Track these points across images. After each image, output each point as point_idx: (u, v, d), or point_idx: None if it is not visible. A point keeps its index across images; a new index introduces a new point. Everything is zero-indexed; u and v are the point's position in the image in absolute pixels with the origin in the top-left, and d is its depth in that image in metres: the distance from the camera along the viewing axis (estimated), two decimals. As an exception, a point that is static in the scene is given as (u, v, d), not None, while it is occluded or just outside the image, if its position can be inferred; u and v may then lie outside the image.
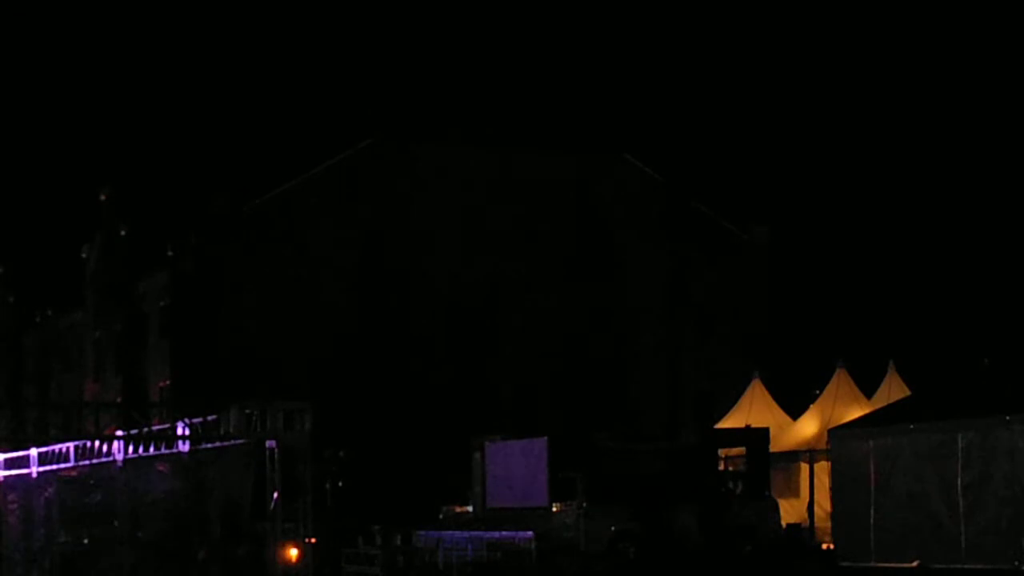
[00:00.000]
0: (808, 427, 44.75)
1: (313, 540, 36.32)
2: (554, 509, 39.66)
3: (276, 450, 35.44)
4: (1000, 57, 76.25)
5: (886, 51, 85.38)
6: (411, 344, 59.30)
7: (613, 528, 38.79)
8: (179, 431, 36.98)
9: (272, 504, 35.59)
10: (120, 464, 39.82)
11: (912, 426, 33.06)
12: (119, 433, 38.87)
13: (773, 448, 42.23)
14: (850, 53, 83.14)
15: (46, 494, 44.24)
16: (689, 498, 39.22)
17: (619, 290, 62.59)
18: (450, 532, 41.77)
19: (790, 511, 42.60)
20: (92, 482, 43.12)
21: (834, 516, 35.96)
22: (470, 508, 44.47)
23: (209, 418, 36.30)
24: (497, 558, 39.29)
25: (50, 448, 42.66)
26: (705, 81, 79.38)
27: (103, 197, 68.60)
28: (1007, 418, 30.71)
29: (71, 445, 41.25)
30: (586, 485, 39.09)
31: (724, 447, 42.08)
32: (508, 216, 61.19)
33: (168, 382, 60.90)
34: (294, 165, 61.63)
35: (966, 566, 30.93)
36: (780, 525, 41.00)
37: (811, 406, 46.02)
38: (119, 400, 59.93)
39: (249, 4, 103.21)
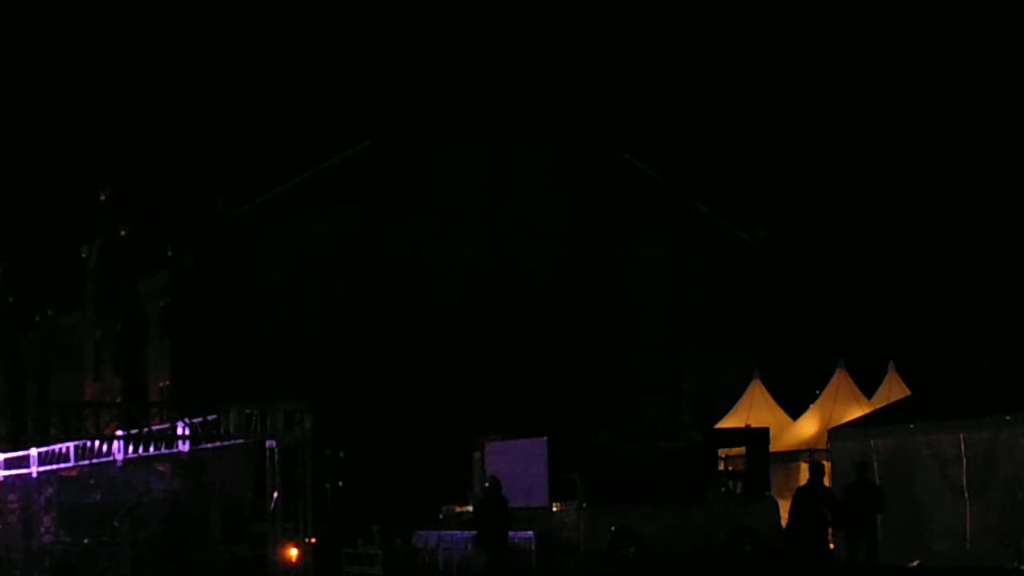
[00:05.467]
0: (808, 427, 44.72)
1: (313, 540, 36.22)
2: (554, 509, 39.58)
3: (276, 450, 35.36)
4: (1000, 57, 76.25)
5: (886, 51, 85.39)
6: (411, 344, 59.26)
7: (613, 528, 38.74)
8: (179, 431, 36.87)
9: (272, 504, 35.52)
10: (120, 464, 39.72)
11: (912, 426, 33.06)
12: (119, 433, 38.77)
13: (773, 448, 42.19)
14: (850, 53, 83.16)
15: (46, 494, 44.13)
16: (689, 498, 39.18)
17: (619, 290, 62.55)
18: (450, 532, 41.69)
19: (790, 511, 42.51)
20: (92, 482, 42.97)
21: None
22: (470, 508, 44.39)
23: (209, 418, 36.21)
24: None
25: (50, 448, 42.56)
26: (705, 81, 79.47)
27: (103, 197, 68.67)
28: (1007, 418, 30.71)
29: (71, 445, 41.15)
30: (586, 485, 39.03)
31: (724, 447, 42.02)
32: (507, 216, 61.16)
33: (168, 382, 60.90)
34: (293, 165, 61.72)
35: (966, 566, 30.92)
36: (779, 525, 40.91)
37: (811, 406, 45.99)
38: (119, 400, 59.90)
39: (249, 5, 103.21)
